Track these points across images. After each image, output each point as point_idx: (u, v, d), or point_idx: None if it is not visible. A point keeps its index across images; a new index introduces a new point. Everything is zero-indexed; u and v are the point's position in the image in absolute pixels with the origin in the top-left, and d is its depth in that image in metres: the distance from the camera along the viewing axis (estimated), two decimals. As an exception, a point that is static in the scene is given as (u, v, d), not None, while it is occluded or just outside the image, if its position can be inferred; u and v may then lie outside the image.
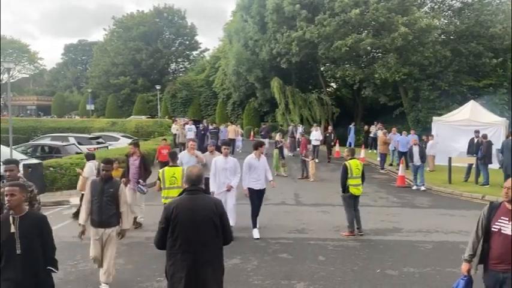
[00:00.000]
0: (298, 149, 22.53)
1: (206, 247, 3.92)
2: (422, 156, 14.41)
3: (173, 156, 8.47)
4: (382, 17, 23.98)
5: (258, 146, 8.73)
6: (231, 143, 21.87)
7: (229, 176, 8.45)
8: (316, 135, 21.09)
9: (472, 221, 10.13)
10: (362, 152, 21.21)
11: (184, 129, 23.45)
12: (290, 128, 25.90)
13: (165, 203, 7.64)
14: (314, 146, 20.33)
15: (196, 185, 4.10)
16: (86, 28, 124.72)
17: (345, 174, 8.76)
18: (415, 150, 14.42)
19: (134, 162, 9.64)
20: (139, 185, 9.39)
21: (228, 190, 8.43)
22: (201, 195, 4.07)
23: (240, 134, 26.07)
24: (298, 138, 23.32)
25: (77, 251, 7.54)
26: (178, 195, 4.16)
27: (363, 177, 9.01)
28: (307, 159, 16.41)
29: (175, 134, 24.09)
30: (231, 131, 24.27)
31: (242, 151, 23.88)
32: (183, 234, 3.88)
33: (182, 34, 60.29)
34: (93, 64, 62.12)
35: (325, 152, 21.89)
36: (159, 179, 7.98)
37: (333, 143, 22.03)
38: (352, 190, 8.80)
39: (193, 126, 24.77)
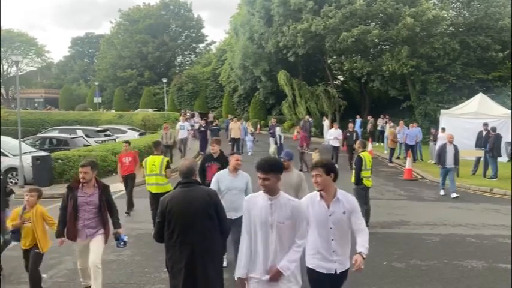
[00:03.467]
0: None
1: (202, 238, 3.97)
2: (457, 158, 11.96)
3: (156, 145, 8.85)
4: (389, 8, 23.82)
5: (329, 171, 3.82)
6: (234, 144, 19.70)
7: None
8: (335, 133, 17.35)
9: (479, 214, 10.16)
10: (369, 146, 21.12)
11: (168, 129, 17.93)
12: (302, 122, 23.61)
13: (148, 190, 8.35)
14: (334, 148, 17.17)
15: (189, 177, 4.14)
16: (98, 21, 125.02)
17: (360, 166, 8.66)
18: (449, 149, 11.90)
19: (90, 200, 5.32)
20: (120, 241, 5.51)
21: (274, 278, 3.54)
22: (194, 187, 4.12)
23: (250, 132, 21.41)
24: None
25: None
26: (174, 189, 4.24)
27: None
28: (308, 152, 16.24)
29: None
30: (234, 128, 20.08)
31: (254, 153, 20.42)
32: (178, 227, 3.94)
33: (189, 27, 60.21)
34: (100, 57, 62.29)
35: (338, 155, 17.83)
36: (142, 166, 8.61)
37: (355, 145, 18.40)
38: (366, 182, 8.78)
39: (186, 124, 20.50)
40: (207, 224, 3.99)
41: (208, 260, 3.96)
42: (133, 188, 10.39)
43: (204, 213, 3.98)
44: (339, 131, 17.62)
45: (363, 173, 8.70)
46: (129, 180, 10.27)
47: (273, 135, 19.93)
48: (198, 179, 5.11)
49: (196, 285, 3.91)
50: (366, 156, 8.81)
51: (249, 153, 19.97)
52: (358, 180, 8.69)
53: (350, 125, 17.84)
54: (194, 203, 3.99)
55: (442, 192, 12.36)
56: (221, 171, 6.32)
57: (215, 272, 4.04)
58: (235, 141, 19.96)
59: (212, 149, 7.46)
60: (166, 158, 8.57)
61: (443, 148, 12.05)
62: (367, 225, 8.69)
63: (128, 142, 11.23)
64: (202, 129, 21.54)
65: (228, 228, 4.23)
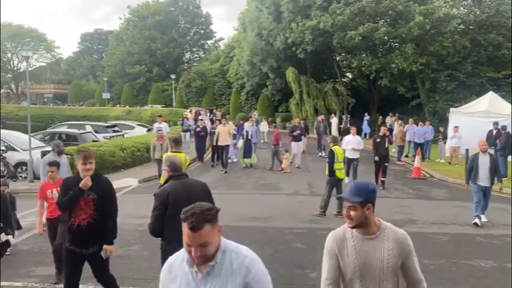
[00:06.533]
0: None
1: None
2: (494, 171, 8.87)
3: (177, 142, 8.66)
4: (399, 6, 23.69)
5: None
6: (222, 153, 15.69)
7: None
8: (353, 141, 12.70)
9: (488, 213, 10.06)
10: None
11: (163, 140, 13.76)
12: (315, 123, 21.22)
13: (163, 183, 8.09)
14: (351, 161, 12.65)
15: (180, 170, 4.45)
16: (110, 17, 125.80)
17: (333, 158, 9.44)
18: (483, 161, 8.84)
19: None
20: None
21: None
22: (188, 179, 4.42)
23: (231, 135, 16.38)
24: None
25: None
26: (164, 183, 4.41)
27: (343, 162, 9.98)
28: (284, 152, 15.81)
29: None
30: (222, 133, 15.53)
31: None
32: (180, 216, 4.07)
33: (197, 23, 60.31)
34: (109, 53, 62.62)
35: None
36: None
37: (386, 153, 12.87)
38: (338, 174, 9.59)
39: (163, 125, 16.60)
40: None
41: None
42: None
43: (202, 201, 4.18)
44: (359, 139, 13.04)
45: (335, 165, 9.48)
46: (60, 225, 5.90)
47: (296, 139, 16.40)
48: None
49: None
50: (337, 149, 9.64)
51: (233, 159, 17.22)
52: (331, 172, 9.51)
53: (382, 128, 13.19)
54: (194, 193, 4.20)
55: (477, 221, 8.93)
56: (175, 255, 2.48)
57: None
58: (223, 150, 15.56)
59: (84, 168, 4.40)
60: (186, 156, 8.22)
61: (474, 159, 8.99)
62: (324, 212, 9.40)
63: (54, 164, 6.31)
64: (200, 132, 17.04)
65: None
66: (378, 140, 12.63)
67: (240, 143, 16.79)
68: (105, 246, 4.50)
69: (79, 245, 4.40)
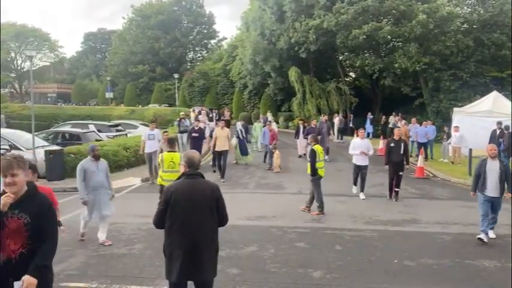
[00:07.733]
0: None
1: (202, 228, 4.16)
2: (504, 180, 7.61)
3: (172, 142, 8.92)
4: (402, 5, 23.68)
5: None
6: (220, 159, 14.06)
7: None
8: (361, 145, 11.25)
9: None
10: (381, 143, 20.90)
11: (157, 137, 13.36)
12: (318, 123, 19.34)
13: (160, 184, 8.54)
14: (359, 169, 11.25)
15: (196, 169, 4.32)
16: (115, 17, 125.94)
17: (315, 158, 9.42)
18: (492, 167, 7.65)
19: None
20: None
21: None
22: (199, 180, 4.28)
23: (230, 139, 15.03)
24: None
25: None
26: (177, 179, 4.37)
27: None
28: (274, 150, 15.67)
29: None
30: (220, 137, 14.07)
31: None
32: (181, 216, 4.11)
33: (200, 23, 60.38)
34: (112, 53, 62.79)
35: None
36: (158, 164, 8.92)
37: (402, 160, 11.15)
38: (320, 172, 9.56)
39: (156, 131, 14.04)
40: (207, 216, 4.19)
41: (205, 250, 4.16)
42: None
43: (206, 205, 4.18)
44: (367, 143, 11.57)
45: (317, 164, 9.45)
46: None
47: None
48: None
49: (191, 271, 4.13)
50: (318, 148, 9.61)
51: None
52: (314, 172, 9.44)
53: (396, 131, 11.94)
54: (198, 196, 4.16)
55: (482, 236, 7.67)
56: None
57: (210, 262, 4.24)
58: (221, 156, 14.01)
59: (4, 182, 3.31)
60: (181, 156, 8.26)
61: (481, 166, 7.78)
62: (322, 210, 9.35)
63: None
64: (195, 133, 15.17)
65: (226, 221, 4.40)
66: (392, 144, 11.00)
67: (234, 141, 16.83)
68: (24, 277, 3.10)
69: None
